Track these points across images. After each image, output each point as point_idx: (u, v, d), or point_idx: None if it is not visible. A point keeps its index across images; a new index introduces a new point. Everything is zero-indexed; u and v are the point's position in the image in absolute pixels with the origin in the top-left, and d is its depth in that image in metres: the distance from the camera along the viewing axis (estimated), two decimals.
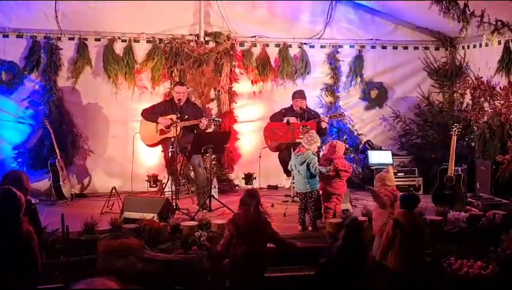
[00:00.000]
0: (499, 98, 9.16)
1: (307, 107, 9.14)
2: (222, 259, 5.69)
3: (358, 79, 10.48)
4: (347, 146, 8.37)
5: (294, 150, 7.52)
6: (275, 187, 10.07)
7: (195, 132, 8.46)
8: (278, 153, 9.16)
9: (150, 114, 8.66)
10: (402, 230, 5.44)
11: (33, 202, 5.38)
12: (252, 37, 10.09)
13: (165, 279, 5.94)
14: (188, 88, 9.19)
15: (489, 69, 9.47)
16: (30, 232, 4.46)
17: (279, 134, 8.54)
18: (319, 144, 7.45)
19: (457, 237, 6.97)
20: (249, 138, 10.11)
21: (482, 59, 9.82)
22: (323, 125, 8.90)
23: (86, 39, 9.47)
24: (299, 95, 9.09)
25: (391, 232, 5.48)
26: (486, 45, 9.29)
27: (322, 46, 10.35)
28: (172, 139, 8.25)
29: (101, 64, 9.52)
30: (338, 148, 7.56)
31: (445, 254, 6.49)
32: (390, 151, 10.19)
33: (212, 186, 8.47)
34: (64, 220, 5.90)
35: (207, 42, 9.89)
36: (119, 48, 9.58)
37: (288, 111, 9.04)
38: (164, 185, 9.03)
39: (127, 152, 9.31)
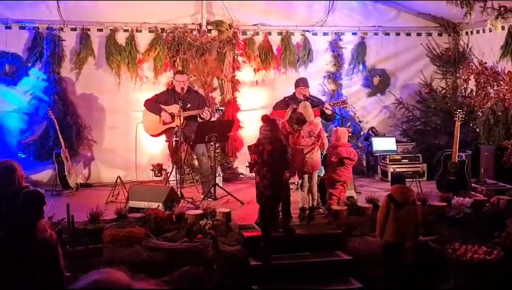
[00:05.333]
0: (503, 83, 9.13)
1: (310, 94, 9.11)
2: None
3: (361, 66, 10.47)
4: (349, 129, 8.38)
5: None
6: None
7: (199, 120, 8.47)
8: None
9: (153, 105, 8.65)
10: (395, 204, 5.79)
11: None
12: (254, 25, 10.06)
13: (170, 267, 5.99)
14: (189, 77, 9.18)
15: (494, 55, 9.43)
16: (51, 237, 4.47)
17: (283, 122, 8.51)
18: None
19: (462, 222, 6.98)
20: (252, 126, 10.10)
21: (485, 45, 9.77)
22: (328, 112, 8.86)
23: (89, 30, 9.46)
24: (303, 83, 9.03)
25: (385, 206, 5.85)
26: (490, 30, 9.23)
27: (324, 34, 10.32)
28: (175, 129, 8.26)
29: (103, 54, 9.52)
30: (340, 134, 7.57)
31: (449, 239, 6.51)
32: (394, 138, 10.21)
33: (217, 175, 8.50)
34: (69, 210, 5.93)
35: (209, 31, 9.87)
36: (121, 38, 9.57)
37: (291, 99, 8.98)
38: (169, 174, 9.06)
39: (131, 142, 9.33)
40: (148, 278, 2.02)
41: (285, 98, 9.09)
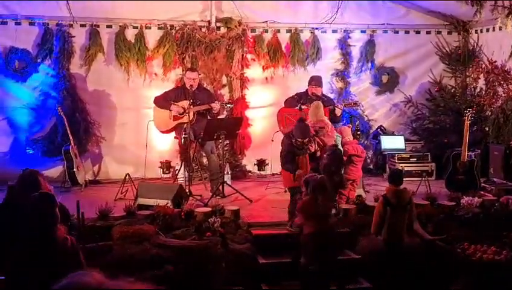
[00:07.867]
0: None
1: (322, 94, 9.07)
2: None
3: (370, 64, 10.45)
4: (350, 125, 8.37)
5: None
6: None
7: (208, 117, 8.47)
8: None
9: (162, 101, 8.66)
10: (391, 206, 5.90)
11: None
12: (263, 22, 10.04)
13: (179, 265, 6.00)
14: (200, 74, 9.18)
15: (503, 53, 9.37)
16: (65, 239, 4.23)
17: (291, 120, 8.51)
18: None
19: (471, 222, 6.96)
20: (260, 123, 10.11)
21: (495, 43, 9.72)
22: (338, 112, 8.82)
23: (98, 26, 9.47)
24: (316, 81, 8.98)
25: (381, 208, 5.95)
26: (500, 28, 9.19)
27: (333, 31, 10.30)
28: (185, 125, 8.26)
29: (113, 51, 9.54)
30: (343, 132, 7.55)
31: (458, 239, 6.49)
32: (402, 137, 10.19)
33: (225, 173, 8.49)
34: (79, 206, 5.94)
35: (218, 28, 9.86)
36: (130, 34, 9.58)
37: (302, 96, 8.95)
38: (177, 171, 9.07)
39: (140, 139, 9.35)
40: (126, 277, 2.02)
41: (296, 94, 9.08)
